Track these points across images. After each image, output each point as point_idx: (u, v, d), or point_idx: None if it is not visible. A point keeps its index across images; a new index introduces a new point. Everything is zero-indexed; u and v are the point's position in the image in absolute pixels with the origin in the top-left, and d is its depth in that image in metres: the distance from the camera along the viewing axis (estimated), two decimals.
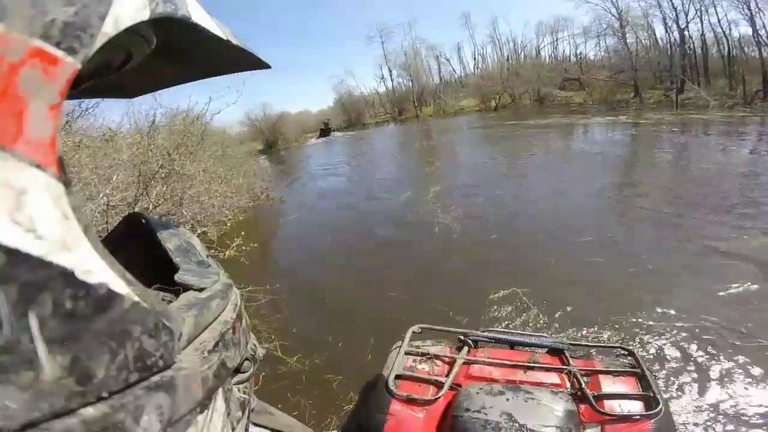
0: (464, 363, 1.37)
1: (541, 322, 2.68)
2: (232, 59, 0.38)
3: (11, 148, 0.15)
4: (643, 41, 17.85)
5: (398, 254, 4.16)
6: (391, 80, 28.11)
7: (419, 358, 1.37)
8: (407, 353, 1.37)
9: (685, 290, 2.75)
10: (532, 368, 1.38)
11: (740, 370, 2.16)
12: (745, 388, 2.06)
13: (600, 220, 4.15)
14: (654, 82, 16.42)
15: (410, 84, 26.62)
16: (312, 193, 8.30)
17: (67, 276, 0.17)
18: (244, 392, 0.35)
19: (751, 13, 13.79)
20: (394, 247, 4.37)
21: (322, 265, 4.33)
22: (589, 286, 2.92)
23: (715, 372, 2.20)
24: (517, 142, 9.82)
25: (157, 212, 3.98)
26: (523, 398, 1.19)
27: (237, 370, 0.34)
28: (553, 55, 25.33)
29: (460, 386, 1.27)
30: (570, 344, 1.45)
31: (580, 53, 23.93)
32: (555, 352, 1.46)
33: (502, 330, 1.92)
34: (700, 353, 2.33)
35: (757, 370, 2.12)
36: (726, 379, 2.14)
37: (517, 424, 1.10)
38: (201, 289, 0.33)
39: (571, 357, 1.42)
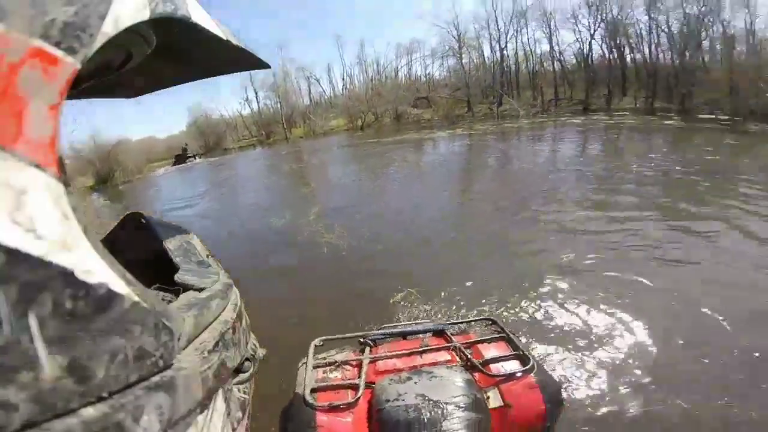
0: (370, 362, 1.43)
1: (431, 310, 3.04)
2: (232, 59, 0.37)
3: (11, 148, 0.15)
4: (474, 60, 20.98)
5: (290, 280, 3.90)
6: (257, 102, 26.78)
7: (328, 368, 1.39)
8: (315, 366, 1.39)
9: (523, 262, 3.56)
10: (425, 352, 1.48)
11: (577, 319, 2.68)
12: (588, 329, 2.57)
13: (454, 221, 5.01)
14: (482, 98, 19.42)
15: (278, 105, 25.87)
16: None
17: (67, 276, 0.17)
18: (244, 392, 0.34)
19: (550, 32, 17.63)
20: (284, 273, 4.08)
21: None
22: (459, 274, 3.47)
23: (564, 323, 2.69)
24: (380, 158, 10.53)
25: None
26: (427, 378, 1.29)
27: (237, 370, 0.33)
28: (408, 76, 27.68)
29: (374, 383, 1.31)
30: (447, 324, 1.60)
31: (429, 73, 26.71)
32: (438, 333, 1.59)
33: (393, 324, 1.87)
34: (547, 309, 2.88)
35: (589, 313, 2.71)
36: (574, 327, 2.62)
37: (431, 402, 1.19)
38: (201, 289, 0.32)
39: (452, 335, 1.55)
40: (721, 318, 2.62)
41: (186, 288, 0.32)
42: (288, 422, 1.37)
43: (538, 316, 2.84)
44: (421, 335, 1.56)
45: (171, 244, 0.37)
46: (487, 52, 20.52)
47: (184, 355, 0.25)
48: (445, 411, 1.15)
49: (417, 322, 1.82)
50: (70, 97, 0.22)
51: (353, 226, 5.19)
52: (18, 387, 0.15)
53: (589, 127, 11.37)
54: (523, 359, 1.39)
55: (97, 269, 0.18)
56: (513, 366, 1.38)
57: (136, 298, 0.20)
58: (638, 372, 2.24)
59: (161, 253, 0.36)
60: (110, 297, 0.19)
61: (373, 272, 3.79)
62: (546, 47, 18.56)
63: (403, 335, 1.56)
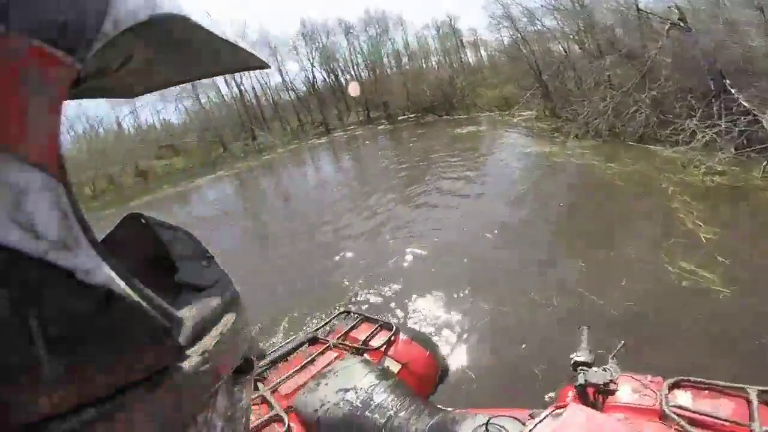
0: (272, 392, 1.42)
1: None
2: (232, 59, 0.37)
3: (11, 148, 0.15)
4: (213, 100, 19.94)
5: None
6: None
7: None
8: None
9: None
10: (314, 360, 1.55)
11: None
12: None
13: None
14: (236, 135, 18.91)
15: None
16: None
17: (67, 276, 0.17)
18: (244, 392, 0.35)
19: (278, 64, 18.46)
20: None
21: None
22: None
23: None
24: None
25: None
26: (333, 376, 1.33)
27: (237, 370, 0.33)
28: (136, 125, 23.82)
29: (291, 407, 1.33)
30: (315, 329, 1.79)
31: (163, 119, 23.78)
32: (313, 341, 1.71)
33: (273, 350, 1.93)
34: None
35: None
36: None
37: (352, 390, 1.24)
38: (201, 289, 0.32)
39: (324, 337, 1.71)
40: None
41: (186, 288, 0.32)
42: None
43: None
44: (299, 350, 1.72)
45: (171, 244, 0.37)
46: (224, 89, 20.10)
47: (184, 355, 0.24)
48: (367, 391, 1.23)
49: (287, 341, 1.97)
50: (70, 97, 0.22)
51: None
52: (18, 387, 0.15)
53: (335, 143, 13.75)
54: (388, 327, 1.65)
55: (97, 269, 0.18)
56: (385, 335, 1.62)
57: (136, 298, 0.20)
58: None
59: (161, 253, 0.35)
60: (110, 297, 0.19)
61: None
62: (278, 79, 19.95)
63: (284, 358, 1.71)
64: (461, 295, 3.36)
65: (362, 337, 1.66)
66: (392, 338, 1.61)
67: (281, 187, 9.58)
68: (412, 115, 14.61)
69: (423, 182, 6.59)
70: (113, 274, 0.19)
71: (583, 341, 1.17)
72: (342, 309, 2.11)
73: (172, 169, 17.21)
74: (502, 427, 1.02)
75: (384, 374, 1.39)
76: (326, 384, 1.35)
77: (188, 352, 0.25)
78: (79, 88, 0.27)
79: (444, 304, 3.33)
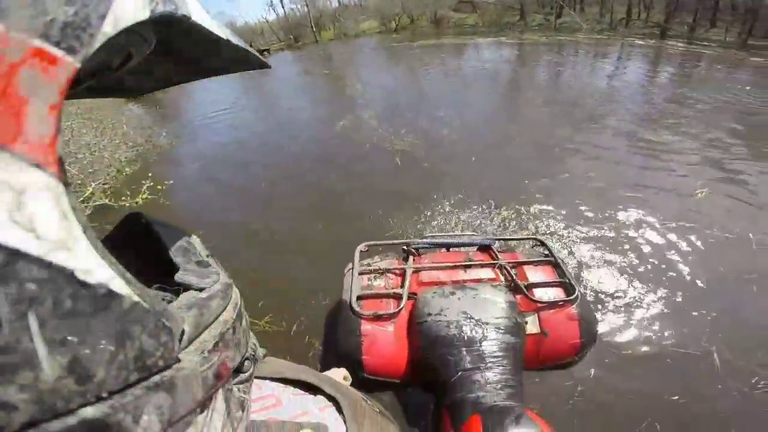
0: (414, 272, 1.41)
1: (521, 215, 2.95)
2: (233, 59, 0.37)
3: (11, 148, 0.15)
4: None
5: (361, 194, 3.49)
6: (282, 6, 24.83)
7: (372, 275, 1.39)
8: (361, 273, 1.38)
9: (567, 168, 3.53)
10: (470, 266, 1.44)
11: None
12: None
13: (508, 132, 4.57)
14: (538, 7, 17.15)
15: (305, 9, 23.51)
16: (215, 135, 6.25)
17: (66, 276, 0.17)
18: (244, 392, 0.34)
19: None
20: (354, 185, 3.64)
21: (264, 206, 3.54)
22: (523, 175, 3.46)
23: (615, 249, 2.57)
24: (426, 62, 9.48)
25: None
26: (471, 296, 1.24)
27: (237, 370, 0.33)
28: None
29: (416, 294, 1.32)
30: (494, 239, 1.60)
31: None
32: (484, 248, 1.57)
33: (437, 234, 1.84)
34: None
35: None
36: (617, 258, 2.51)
37: (473, 320, 1.17)
38: (201, 289, 0.32)
39: (498, 251, 1.53)
40: None
41: (186, 288, 0.31)
42: (335, 327, 1.38)
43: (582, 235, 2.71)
44: (465, 248, 1.59)
45: (171, 244, 0.36)
46: None
47: (184, 355, 0.24)
48: (485, 331, 1.15)
49: (463, 233, 1.84)
50: (70, 96, 0.22)
51: (419, 132, 4.69)
52: (18, 387, 0.15)
53: (663, 51, 9.70)
54: (568, 288, 1.36)
55: (97, 269, 0.18)
56: (556, 294, 1.36)
57: (136, 298, 0.20)
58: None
59: (161, 253, 0.35)
60: (110, 297, 0.18)
61: (464, 181, 3.49)
62: None
63: (448, 246, 1.59)
64: None
65: (533, 277, 1.42)
66: (560, 303, 1.31)
67: (557, 74, 7.47)
68: None
69: None
70: (113, 274, 0.19)
71: None
72: (539, 236, 1.78)
73: (463, 23, 18.04)
74: None
75: (514, 328, 1.20)
76: (458, 298, 1.25)
77: (188, 352, 0.25)
78: (79, 88, 0.27)
79: None
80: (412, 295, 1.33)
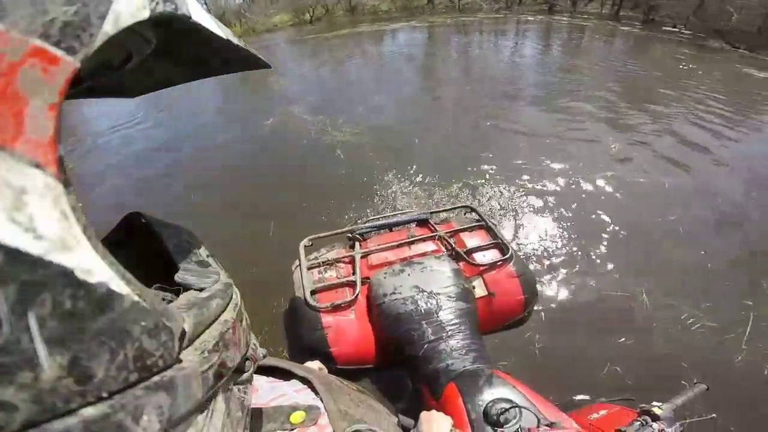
0: (362, 257, 1.43)
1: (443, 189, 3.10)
2: (232, 59, 0.37)
3: (11, 148, 0.15)
4: None
5: (306, 191, 3.23)
6: None
7: (322, 267, 1.40)
8: (310, 268, 1.37)
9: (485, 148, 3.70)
10: (412, 243, 1.49)
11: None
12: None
13: (430, 114, 4.80)
14: None
15: (204, 7, 21.69)
16: (115, 153, 4.93)
17: (66, 276, 0.17)
18: (244, 392, 0.34)
19: None
20: (302, 186, 3.32)
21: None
22: (459, 152, 3.68)
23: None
24: (342, 52, 9.34)
25: None
26: (419, 270, 1.28)
27: (237, 370, 0.33)
28: None
29: (369, 278, 1.34)
30: (429, 213, 1.67)
31: None
32: (422, 223, 1.64)
33: (377, 216, 1.99)
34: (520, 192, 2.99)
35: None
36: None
37: (426, 293, 1.20)
38: (201, 289, 0.32)
39: (435, 224, 1.60)
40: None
41: (186, 288, 0.31)
42: (295, 326, 1.42)
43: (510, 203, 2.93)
44: (406, 226, 1.63)
45: (171, 244, 0.36)
46: None
47: (184, 355, 0.24)
48: (439, 301, 1.20)
49: (400, 212, 1.91)
50: (70, 96, 0.22)
51: (353, 121, 4.63)
52: (18, 387, 0.15)
53: (551, 26, 10.87)
54: (502, 248, 1.45)
55: (97, 269, 0.18)
56: (494, 255, 1.45)
57: (136, 298, 0.20)
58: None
59: (161, 253, 0.35)
60: (110, 297, 0.18)
61: (427, 163, 3.46)
62: None
63: (389, 227, 1.63)
64: None
65: (471, 243, 1.48)
66: (499, 263, 1.39)
67: (467, 53, 8.03)
68: (687, 32, 9.93)
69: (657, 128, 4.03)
70: (113, 273, 0.19)
71: (683, 396, 0.95)
72: (468, 204, 1.80)
73: (377, 10, 18.12)
74: (518, 408, 0.90)
75: (464, 294, 1.26)
76: (408, 274, 1.27)
77: (188, 351, 0.25)
78: (79, 88, 0.26)
79: None
80: (365, 280, 1.33)
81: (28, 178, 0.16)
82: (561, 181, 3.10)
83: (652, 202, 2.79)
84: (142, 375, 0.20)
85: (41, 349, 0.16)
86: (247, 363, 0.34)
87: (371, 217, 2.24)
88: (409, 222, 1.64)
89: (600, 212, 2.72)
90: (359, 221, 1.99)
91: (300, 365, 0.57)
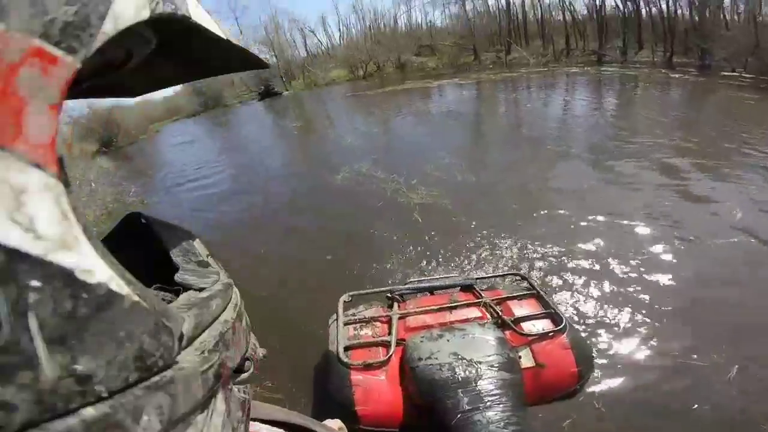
0: (400, 318, 1.40)
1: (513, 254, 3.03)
2: (232, 59, 0.37)
3: (11, 148, 0.15)
4: (478, 8, 19.97)
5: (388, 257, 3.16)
6: None
7: (358, 325, 1.39)
8: (346, 323, 1.38)
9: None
10: (455, 308, 1.45)
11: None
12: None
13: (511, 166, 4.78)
14: (488, 46, 18.63)
15: (274, 59, 24.89)
16: (191, 193, 5.92)
17: (66, 276, 0.17)
18: (244, 392, 0.34)
19: None
20: (364, 243, 3.37)
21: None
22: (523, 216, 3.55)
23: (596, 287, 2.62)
24: (400, 107, 9.74)
25: None
26: (460, 336, 1.24)
27: (237, 370, 0.33)
28: (407, 24, 26.57)
29: (404, 340, 1.31)
30: (476, 279, 1.62)
31: (430, 21, 25.75)
32: (467, 288, 1.60)
33: (419, 279, 1.91)
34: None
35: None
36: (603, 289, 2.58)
37: (465, 360, 1.17)
38: (201, 289, 0.32)
39: (481, 290, 1.55)
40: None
41: (186, 288, 0.32)
42: (324, 381, 1.36)
43: (563, 268, 2.83)
44: (449, 290, 1.60)
45: (171, 244, 0.37)
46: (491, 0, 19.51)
47: (184, 355, 0.24)
48: (479, 370, 1.14)
49: (444, 276, 1.96)
50: (70, 96, 0.22)
51: (429, 182, 4.52)
52: (18, 387, 0.15)
53: (602, 77, 10.81)
54: (555, 318, 1.39)
55: (97, 269, 0.18)
56: (545, 325, 1.38)
57: (136, 298, 0.20)
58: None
59: (161, 253, 0.36)
60: (110, 297, 0.19)
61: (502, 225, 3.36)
62: None
63: (431, 290, 1.62)
64: None
65: (519, 312, 1.43)
66: (550, 334, 1.33)
67: (517, 109, 8.22)
68: (748, 75, 9.16)
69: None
70: (113, 274, 0.19)
71: None
72: (518, 272, 1.79)
73: (425, 67, 19.30)
74: None
75: (509, 364, 1.22)
76: (447, 340, 1.25)
77: (188, 351, 0.25)
78: (80, 88, 0.26)
79: None
80: (400, 342, 1.32)
81: (28, 178, 0.16)
82: (619, 248, 2.95)
83: (721, 272, 2.61)
84: (142, 375, 0.20)
85: (41, 349, 0.16)
86: (247, 363, 0.35)
87: (413, 279, 2.24)
88: (452, 287, 1.62)
89: (661, 281, 2.58)
90: (401, 283, 2.00)
91: (319, 422, 0.56)
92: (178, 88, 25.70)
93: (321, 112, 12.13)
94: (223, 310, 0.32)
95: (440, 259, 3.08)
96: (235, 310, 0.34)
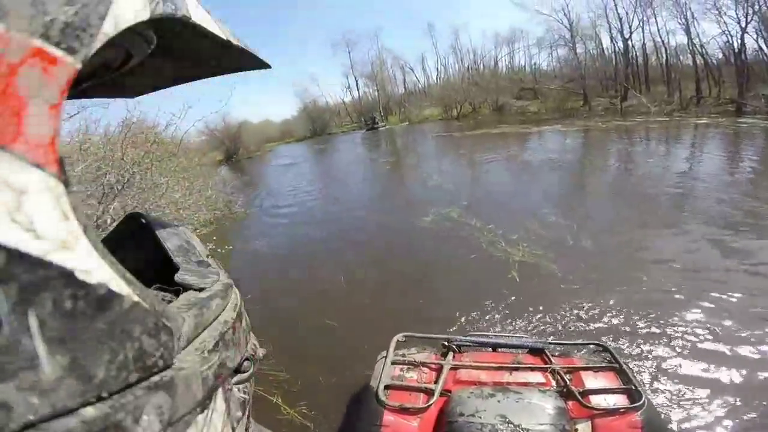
0: (451, 368, 1.37)
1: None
2: (233, 59, 0.38)
3: (11, 148, 0.15)
4: (591, 51, 18.98)
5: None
6: (357, 89, 29.12)
7: (406, 366, 1.37)
8: (394, 362, 1.37)
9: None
10: (516, 369, 1.39)
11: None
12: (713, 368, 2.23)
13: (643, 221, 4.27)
14: (601, 91, 17.32)
15: (376, 93, 27.16)
16: (288, 209, 6.71)
17: (67, 276, 0.17)
18: (244, 392, 0.35)
19: (687, 23, 15.00)
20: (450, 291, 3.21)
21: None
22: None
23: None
24: (492, 151, 9.46)
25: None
26: (513, 399, 1.19)
27: (237, 370, 0.33)
28: (509, 66, 26.59)
29: (450, 392, 1.28)
30: (549, 343, 1.56)
31: (534, 63, 25.37)
32: (536, 352, 1.52)
33: (484, 333, 1.85)
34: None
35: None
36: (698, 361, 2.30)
37: (512, 425, 1.10)
38: (201, 289, 0.33)
39: (552, 355, 1.49)
40: None
41: (186, 288, 0.32)
42: (355, 412, 1.36)
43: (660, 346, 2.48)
44: (515, 350, 1.51)
45: (171, 244, 0.38)
46: (605, 42, 18.31)
47: (184, 355, 0.25)
48: None
49: (513, 335, 1.80)
50: (70, 96, 0.22)
51: (530, 234, 4.17)
52: (18, 387, 0.15)
53: (743, 129, 8.96)
54: (632, 394, 1.28)
55: (97, 269, 0.18)
56: (618, 400, 1.28)
57: (136, 298, 0.20)
58: None
59: (161, 253, 0.37)
60: (110, 297, 0.19)
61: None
62: (681, 38, 15.93)
63: (494, 347, 1.54)
64: None
65: (591, 384, 1.33)
66: (621, 410, 1.21)
67: (631, 160, 7.27)
68: None
69: None
70: (113, 274, 0.19)
71: None
72: (600, 342, 1.64)
73: (525, 111, 18.69)
74: None
75: None
76: (498, 401, 1.18)
77: (188, 351, 0.25)
78: (80, 88, 0.27)
79: None
80: (445, 392, 1.27)
81: (29, 178, 0.16)
82: (723, 333, 2.55)
83: None
84: (142, 375, 0.20)
85: (41, 349, 0.16)
86: (247, 363, 0.34)
87: (476, 332, 2.13)
88: (519, 347, 1.53)
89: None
90: (462, 333, 1.90)
91: None
92: (294, 112, 29.27)
93: (413, 148, 12.39)
94: (223, 311, 0.32)
95: (529, 323, 2.85)
96: (235, 310, 0.33)
